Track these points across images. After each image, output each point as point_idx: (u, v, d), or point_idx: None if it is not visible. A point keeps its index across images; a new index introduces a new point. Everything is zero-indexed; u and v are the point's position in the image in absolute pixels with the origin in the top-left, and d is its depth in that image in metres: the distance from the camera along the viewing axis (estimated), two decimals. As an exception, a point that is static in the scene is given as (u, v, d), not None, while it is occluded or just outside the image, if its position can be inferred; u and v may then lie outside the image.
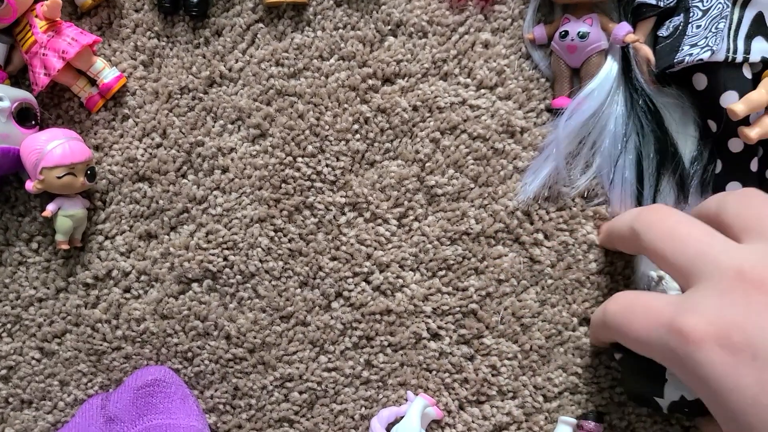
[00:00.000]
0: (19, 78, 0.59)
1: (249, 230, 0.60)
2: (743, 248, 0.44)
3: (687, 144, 0.58)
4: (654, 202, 0.58)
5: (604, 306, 0.51)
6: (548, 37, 0.58)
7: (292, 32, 0.60)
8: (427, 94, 0.60)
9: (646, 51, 0.56)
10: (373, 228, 0.60)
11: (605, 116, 0.56)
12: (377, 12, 0.60)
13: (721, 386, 0.39)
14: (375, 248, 0.60)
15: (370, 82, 0.60)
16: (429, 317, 0.60)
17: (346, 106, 0.60)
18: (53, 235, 0.58)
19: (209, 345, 0.60)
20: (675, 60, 0.54)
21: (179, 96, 0.60)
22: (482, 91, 0.60)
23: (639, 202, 0.58)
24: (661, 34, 0.57)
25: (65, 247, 0.58)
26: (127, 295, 0.60)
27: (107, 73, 0.59)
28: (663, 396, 0.50)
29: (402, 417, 0.59)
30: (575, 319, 0.60)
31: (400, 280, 0.60)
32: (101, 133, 0.60)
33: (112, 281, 0.60)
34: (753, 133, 0.54)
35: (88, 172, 0.57)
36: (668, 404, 0.50)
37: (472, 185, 0.60)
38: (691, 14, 0.55)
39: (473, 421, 0.60)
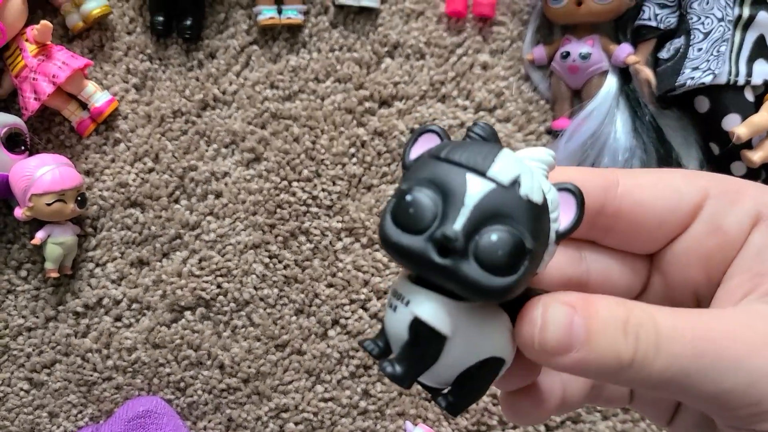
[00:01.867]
0: (9, 103, 0.58)
1: (243, 257, 0.58)
2: None
3: (689, 167, 0.58)
4: None
5: None
6: (548, 58, 0.58)
7: (287, 54, 0.59)
8: (425, 117, 0.59)
9: (647, 73, 0.55)
10: (370, 254, 0.59)
11: (604, 135, 0.56)
12: (374, 33, 0.59)
13: None
14: (372, 274, 0.59)
15: (367, 104, 0.59)
16: (428, 345, 0.58)
17: (342, 129, 0.59)
18: (43, 262, 0.57)
19: (202, 375, 0.59)
20: (677, 83, 0.53)
21: (172, 119, 0.59)
22: (481, 113, 0.59)
23: None
24: (662, 56, 0.56)
25: (55, 275, 0.56)
26: (118, 324, 0.59)
27: (98, 97, 0.57)
28: None
29: (401, 447, 0.57)
30: (577, 346, 0.58)
31: (398, 307, 0.58)
32: (92, 158, 0.59)
33: (103, 310, 0.59)
34: (756, 156, 0.53)
35: (79, 198, 0.55)
36: None
37: (471, 209, 0.58)
38: (692, 37, 0.54)
39: (474, 452, 0.58)
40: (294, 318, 0.59)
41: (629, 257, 0.23)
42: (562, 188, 0.19)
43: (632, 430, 0.58)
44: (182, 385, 0.59)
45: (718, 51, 0.52)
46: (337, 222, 0.58)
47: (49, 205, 0.54)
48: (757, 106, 0.53)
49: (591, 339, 0.17)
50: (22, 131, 0.56)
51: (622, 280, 0.23)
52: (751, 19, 0.53)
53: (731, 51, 0.53)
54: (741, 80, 0.53)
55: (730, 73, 0.53)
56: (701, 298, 0.22)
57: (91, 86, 0.57)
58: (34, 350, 0.59)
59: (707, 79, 0.51)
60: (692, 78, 0.52)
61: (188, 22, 0.57)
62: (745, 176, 0.55)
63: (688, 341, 0.17)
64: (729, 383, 0.17)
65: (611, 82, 0.56)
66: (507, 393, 0.22)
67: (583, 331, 0.17)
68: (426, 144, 0.20)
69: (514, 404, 0.22)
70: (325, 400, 0.59)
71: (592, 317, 0.18)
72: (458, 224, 0.18)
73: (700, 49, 0.53)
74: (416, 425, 0.58)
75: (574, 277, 0.23)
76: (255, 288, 0.58)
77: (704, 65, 0.52)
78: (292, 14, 0.58)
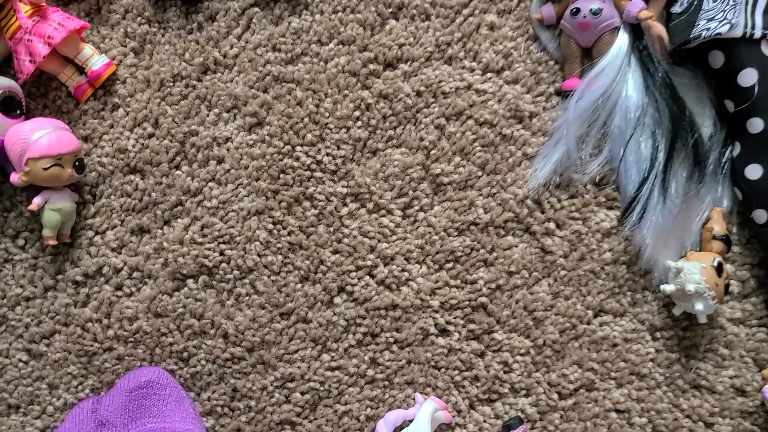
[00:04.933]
0: (4, 66, 0.57)
1: (246, 223, 0.57)
2: None
3: (703, 125, 0.56)
4: (665, 179, 0.54)
5: None
6: (557, 16, 0.56)
7: (289, 16, 0.57)
8: (431, 79, 0.57)
9: (660, 29, 0.54)
10: (376, 219, 0.57)
11: (615, 93, 0.54)
12: (378, -7, 0.57)
13: None
14: (379, 240, 0.57)
15: (372, 67, 0.57)
16: (436, 312, 0.57)
17: (346, 92, 0.57)
18: (40, 230, 0.56)
19: (206, 344, 0.57)
20: (691, 35, 0.52)
21: (172, 84, 0.57)
22: (489, 75, 0.57)
23: (646, 178, 0.54)
24: (674, 11, 0.55)
25: (53, 242, 0.55)
26: (119, 293, 0.57)
27: (96, 61, 0.56)
28: None
29: (409, 420, 0.56)
30: (590, 312, 0.57)
31: (406, 274, 0.57)
32: (90, 123, 0.57)
33: (103, 278, 0.57)
34: None
35: (77, 163, 0.54)
36: None
37: (480, 173, 0.57)
38: (707, -11, 0.53)
39: (485, 420, 0.57)
40: (299, 285, 0.57)
41: None
42: None
43: (647, 398, 0.56)
44: (185, 355, 0.57)
45: (734, 1, 0.50)
46: (342, 187, 0.57)
47: (45, 169, 0.52)
48: (774, 60, 0.52)
49: None
50: (18, 95, 0.54)
51: None
52: (766, -30, 0.51)
53: (747, 3, 0.52)
54: (758, 33, 0.51)
55: (746, 26, 0.51)
56: None
57: (88, 49, 0.56)
58: (32, 320, 0.57)
59: (723, 29, 0.50)
60: (708, 29, 0.51)
61: (187, -17, 0.56)
62: (763, 133, 0.53)
63: None
64: None
65: (623, 39, 0.55)
66: None
67: None
68: None
69: None
70: (332, 369, 0.57)
71: None
72: None
73: (715, 0, 0.52)
74: (426, 397, 0.57)
75: None
76: (259, 255, 0.57)
77: (720, 15, 0.51)
78: (293, -27, 0.56)
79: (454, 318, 0.57)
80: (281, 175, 0.57)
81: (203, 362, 0.57)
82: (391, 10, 0.57)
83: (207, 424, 0.57)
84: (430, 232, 0.57)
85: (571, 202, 0.57)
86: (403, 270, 0.57)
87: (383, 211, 0.57)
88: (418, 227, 0.57)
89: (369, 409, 0.57)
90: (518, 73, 0.57)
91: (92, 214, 0.57)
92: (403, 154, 0.57)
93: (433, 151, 0.57)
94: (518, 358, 0.57)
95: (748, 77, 0.52)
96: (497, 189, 0.57)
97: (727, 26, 0.50)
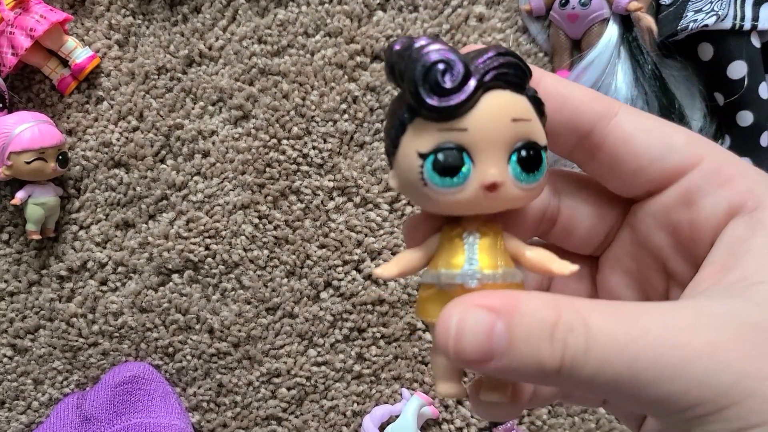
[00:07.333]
0: (-13, 59, 0.56)
1: (232, 217, 0.57)
2: None
3: (693, 118, 0.55)
4: None
5: None
6: (546, 7, 0.55)
7: (275, 8, 0.57)
8: (419, 71, 0.56)
9: (649, 20, 0.53)
10: (363, 213, 0.57)
11: (605, 86, 0.54)
12: (364, -15, 0.57)
13: None
14: (366, 235, 0.57)
15: (359, 59, 0.57)
16: (424, 306, 0.57)
17: (333, 84, 0.57)
18: (24, 225, 0.55)
19: (191, 339, 0.57)
20: (679, 27, 0.51)
21: (156, 77, 0.57)
22: (476, 67, 0.57)
23: None
24: (663, 2, 0.54)
25: (37, 237, 0.54)
26: (104, 288, 0.57)
27: (80, 53, 0.55)
28: None
29: (396, 416, 0.55)
30: (578, 306, 0.56)
31: (393, 268, 0.56)
32: (74, 117, 0.57)
33: (88, 273, 0.57)
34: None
35: (60, 157, 0.53)
36: None
37: (468, 166, 0.56)
38: (696, -20, 0.52)
39: (472, 416, 0.57)
40: (285, 280, 0.57)
41: (602, 204, 0.23)
42: None
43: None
44: (171, 350, 0.57)
45: (722, -8, 0.50)
46: (329, 181, 0.56)
47: (28, 163, 0.52)
48: (764, 52, 0.51)
49: (513, 346, 0.16)
50: (0, 88, 0.54)
51: (587, 222, 0.23)
52: (756, -39, 0.51)
53: (736, -6, 0.51)
54: (747, 25, 0.51)
55: (735, 18, 0.51)
56: (669, 271, 0.21)
57: (71, 42, 0.55)
58: (17, 315, 0.57)
59: (710, 21, 0.49)
60: (695, 21, 0.50)
61: (171, -26, 0.55)
62: (752, 126, 0.53)
63: (622, 345, 0.16)
64: (664, 390, 0.16)
65: (612, 31, 0.54)
66: (477, 386, 0.21)
67: (505, 339, 0.16)
68: None
69: (484, 398, 0.21)
70: (318, 364, 0.57)
71: (516, 323, 0.16)
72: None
73: (704, -9, 0.51)
74: (413, 393, 0.56)
75: (544, 209, 0.23)
76: (244, 249, 0.56)
77: (707, 7, 0.50)
78: (279, -36, 0.55)
79: (442, 313, 0.57)
80: (267, 169, 0.56)
81: (189, 357, 0.57)
82: (378, 1, 0.57)
83: (193, 419, 0.57)
84: (417, 226, 0.56)
85: (559, 196, 0.57)
86: (390, 264, 0.57)
87: (370, 205, 0.57)
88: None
89: (355, 404, 0.57)
90: (507, 65, 0.57)
91: (76, 209, 0.57)
92: (390, 148, 0.57)
93: (420, 145, 0.56)
94: (506, 352, 0.57)
95: (738, 70, 0.51)
96: (485, 183, 0.56)
97: (714, 18, 0.49)
